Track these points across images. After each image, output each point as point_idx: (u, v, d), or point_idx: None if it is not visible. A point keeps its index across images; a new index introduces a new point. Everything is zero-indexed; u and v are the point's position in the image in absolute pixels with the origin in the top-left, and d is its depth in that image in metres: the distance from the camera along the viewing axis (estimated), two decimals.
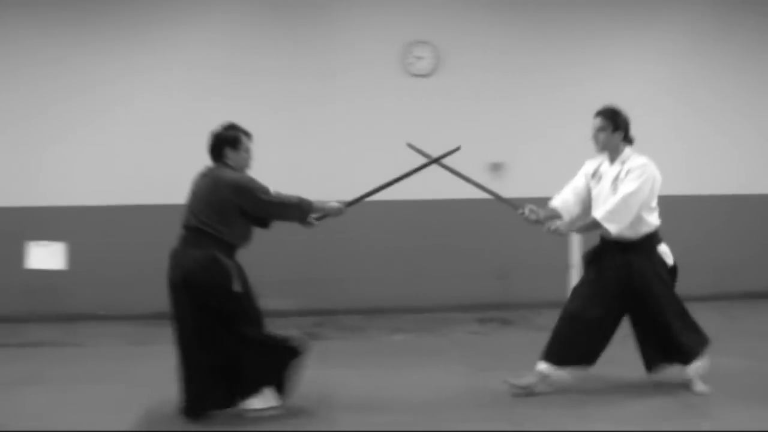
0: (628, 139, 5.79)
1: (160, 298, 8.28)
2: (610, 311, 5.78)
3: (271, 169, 8.41)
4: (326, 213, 5.69)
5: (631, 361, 5.97)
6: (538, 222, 5.80)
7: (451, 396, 5.82)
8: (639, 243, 5.71)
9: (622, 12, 9.08)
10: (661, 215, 5.78)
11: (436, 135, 8.70)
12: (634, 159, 5.69)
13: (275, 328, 7.77)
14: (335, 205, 5.66)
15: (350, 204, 5.81)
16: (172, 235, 8.24)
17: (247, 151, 5.44)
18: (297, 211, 5.50)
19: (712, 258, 9.11)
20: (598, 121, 5.77)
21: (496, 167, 8.63)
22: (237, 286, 5.18)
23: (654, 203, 5.71)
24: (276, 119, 8.51)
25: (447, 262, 8.80)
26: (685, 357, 5.76)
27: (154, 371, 6.32)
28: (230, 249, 5.32)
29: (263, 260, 8.41)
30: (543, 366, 5.84)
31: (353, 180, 8.57)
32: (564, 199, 5.92)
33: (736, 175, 9.33)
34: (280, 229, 8.29)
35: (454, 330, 8.09)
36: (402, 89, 8.72)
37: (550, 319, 7.99)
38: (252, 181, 5.33)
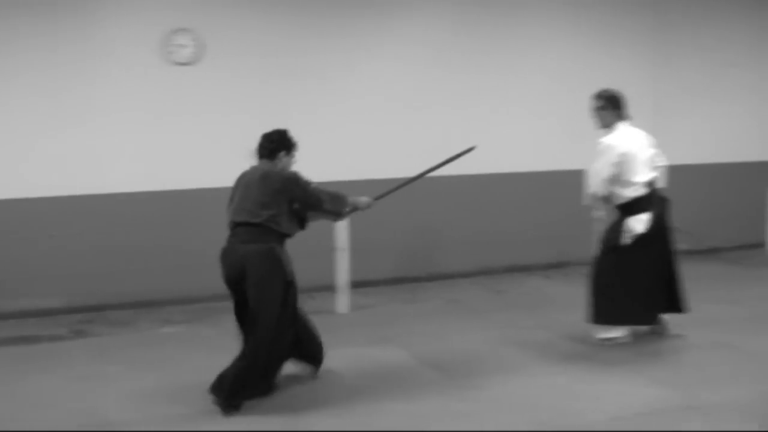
0: (623, 117, 6.41)
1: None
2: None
3: (33, 164, 8.13)
4: (356, 207, 5.89)
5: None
6: None
7: None
8: (618, 209, 6.43)
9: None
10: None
11: (202, 124, 8.68)
12: (607, 137, 6.35)
13: (41, 327, 7.64)
14: (365, 199, 5.90)
15: (378, 198, 6.05)
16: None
17: (293, 158, 5.77)
18: (338, 202, 5.72)
19: (476, 234, 9.54)
20: (595, 102, 6.41)
21: None
22: (291, 276, 5.47)
23: (629, 177, 6.28)
24: (33, 116, 8.08)
25: (212, 251, 8.71)
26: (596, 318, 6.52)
27: None
28: (283, 240, 5.53)
29: (27, 256, 8.15)
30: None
31: (121, 173, 8.39)
32: None
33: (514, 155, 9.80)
34: (43, 224, 8.09)
35: (225, 319, 7.89)
36: (164, 79, 8.50)
37: (321, 302, 8.28)
38: (297, 173, 5.61)
